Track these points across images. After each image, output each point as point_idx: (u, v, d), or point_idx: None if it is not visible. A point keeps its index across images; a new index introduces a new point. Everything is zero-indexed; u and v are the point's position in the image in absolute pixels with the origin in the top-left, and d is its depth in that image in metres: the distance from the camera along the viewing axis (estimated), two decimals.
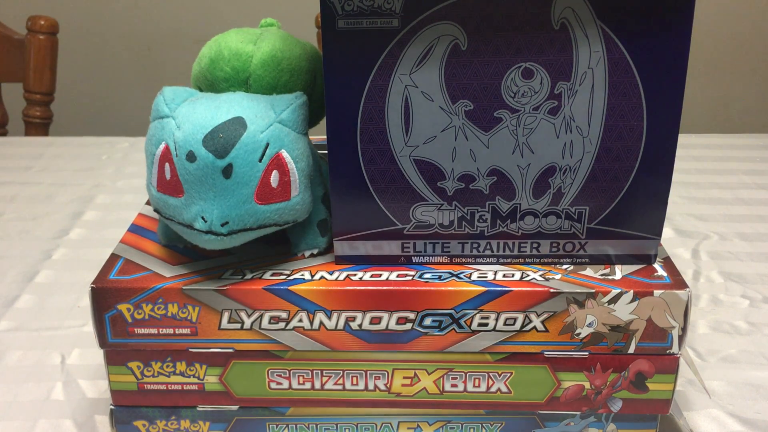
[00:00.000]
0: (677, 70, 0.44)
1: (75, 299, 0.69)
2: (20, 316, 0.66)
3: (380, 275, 0.48)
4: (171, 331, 0.48)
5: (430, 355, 0.48)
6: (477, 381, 0.49)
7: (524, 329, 0.47)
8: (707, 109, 1.81)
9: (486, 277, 0.48)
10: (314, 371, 0.49)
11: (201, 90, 0.51)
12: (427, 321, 0.47)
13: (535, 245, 0.49)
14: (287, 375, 0.49)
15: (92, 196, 0.88)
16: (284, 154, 0.45)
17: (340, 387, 0.49)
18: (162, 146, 0.45)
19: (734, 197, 0.87)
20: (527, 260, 0.49)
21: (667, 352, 0.48)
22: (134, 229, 0.54)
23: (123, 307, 0.47)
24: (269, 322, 0.47)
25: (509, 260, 0.49)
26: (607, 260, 0.49)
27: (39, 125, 1.19)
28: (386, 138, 0.46)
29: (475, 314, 0.47)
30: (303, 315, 0.47)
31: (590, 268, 0.49)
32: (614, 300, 0.46)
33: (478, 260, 0.49)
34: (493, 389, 0.49)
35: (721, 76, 1.79)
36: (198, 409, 0.50)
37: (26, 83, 1.18)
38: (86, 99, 1.80)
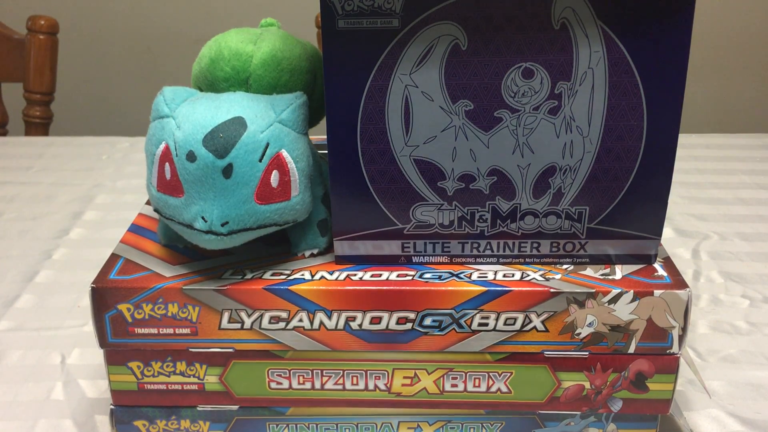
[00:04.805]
0: (677, 70, 0.44)
1: (75, 299, 0.69)
2: (20, 316, 0.66)
3: (380, 275, 0.48)
4: (171, 331, 0.48)
5: (430, 355, 0.48)
6: (477, 381, 0.49)
7: (524, 329, 0.47)
8: (707, 109, 1.81)
9: (486, 277, 0.48)
10: (314, 371, 0.49)
11: (201, 90, 0.51)
12: (427, 321, 0.47)
13: (535, 245, 0.49)
14: (287, 375, 0.49)
15: (92, 196, 0.88)
16: (284, 153, 0.45)
17: (340, 387, 0.49)
18: (162, 146, 0.45)
19: (734, 197, 0.87)
20: (527, 260, 0.49)
21: (668, 352, 0.48)
22: (134, 229, 0.54)
23: (123, 307, 0.47)
24: (269, 322, 0.47)
25: (509, 260, 0.49)
26: (607, 260, 0.49)
27: (39, 125, 1.19)
28: (386, 138, 0.46)
29: (475, 314, 0.47)
30: (303, 315, 0.47)
31: (590, 268, 0.49)
32: (614, 300, 0.46)
33: (478, 260, 0.49)
34: (493, 389, 0.49)
35: (721, 76, 1.79)
36: (198, 409, 0.50)
37: (26, 83, 1.18)
38: (86, 99, 1.79)
